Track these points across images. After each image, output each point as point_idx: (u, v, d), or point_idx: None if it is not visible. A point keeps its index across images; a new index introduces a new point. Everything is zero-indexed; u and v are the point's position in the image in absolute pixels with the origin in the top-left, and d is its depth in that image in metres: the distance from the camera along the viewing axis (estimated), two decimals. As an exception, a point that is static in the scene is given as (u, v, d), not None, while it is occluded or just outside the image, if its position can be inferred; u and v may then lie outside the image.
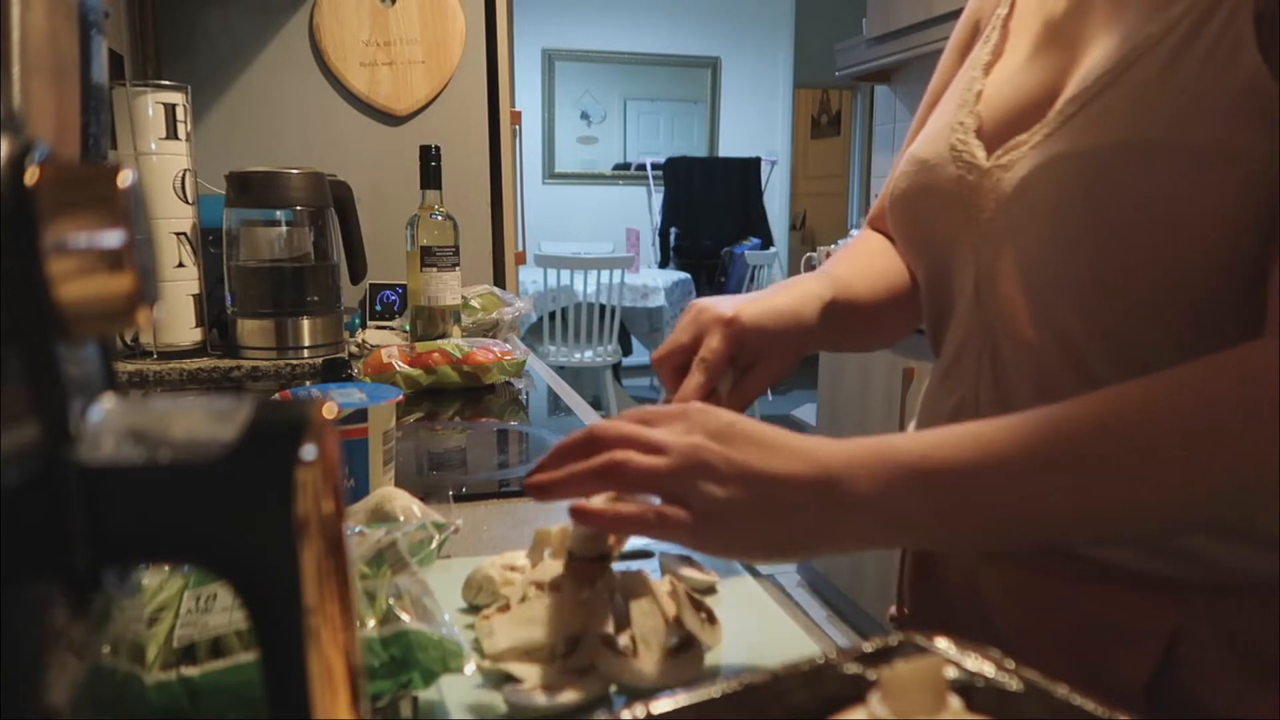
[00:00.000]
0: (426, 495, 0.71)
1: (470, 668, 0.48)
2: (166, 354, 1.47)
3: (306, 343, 1.49)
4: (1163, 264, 0.53)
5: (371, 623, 0.47)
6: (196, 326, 1.49)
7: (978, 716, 0.33)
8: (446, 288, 1.50)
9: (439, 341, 1.38)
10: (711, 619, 0.56)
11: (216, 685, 0.44)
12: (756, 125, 6.44)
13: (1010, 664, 0.35)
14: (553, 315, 4.17)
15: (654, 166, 6.12)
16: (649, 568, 0.61)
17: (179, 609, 0.47)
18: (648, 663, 0.52)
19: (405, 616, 0.47)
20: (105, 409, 0.25)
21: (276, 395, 0.83)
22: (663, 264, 5.74)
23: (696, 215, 5.75)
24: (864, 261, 0.79)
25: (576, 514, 0.51)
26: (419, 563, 0.55)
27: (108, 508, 0.23)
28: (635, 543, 0.67)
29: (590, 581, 0.55)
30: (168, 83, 1.47)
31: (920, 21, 2.77)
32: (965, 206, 0.62)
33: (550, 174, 6.18)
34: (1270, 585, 0.54)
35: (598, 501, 0.52)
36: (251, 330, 1.48)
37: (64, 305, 0.22)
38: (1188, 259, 0.52)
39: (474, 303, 1.64)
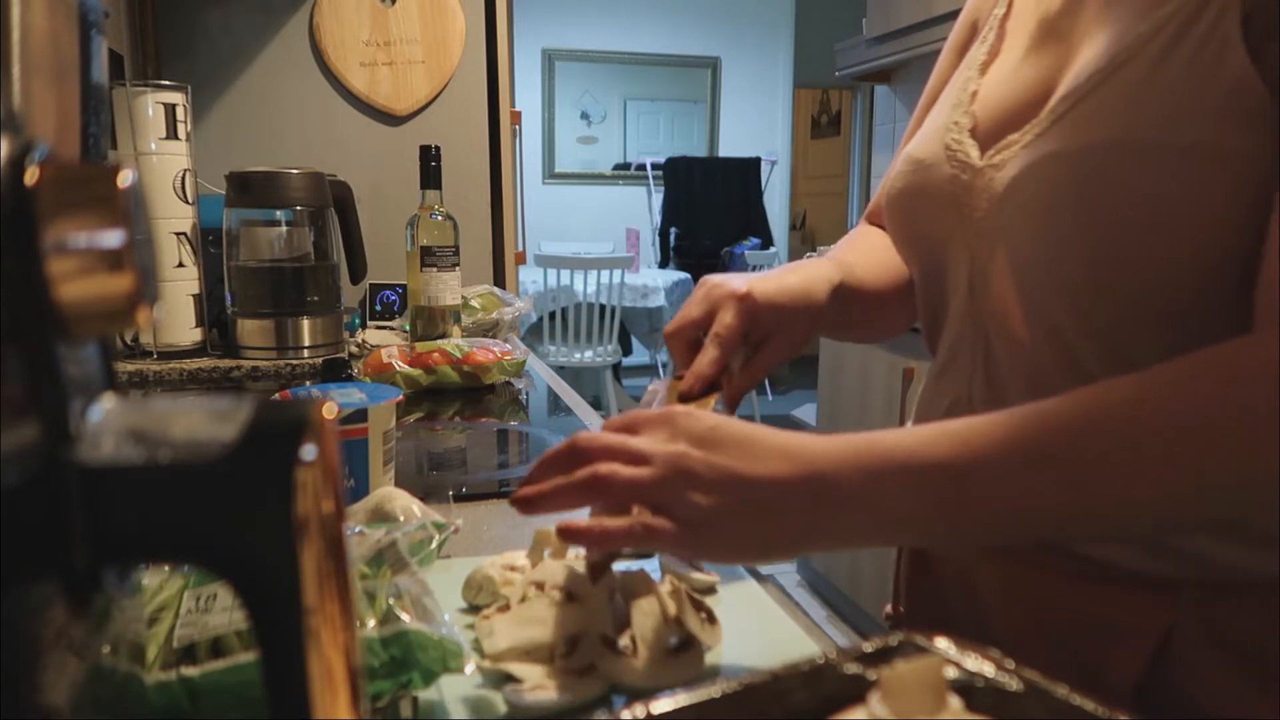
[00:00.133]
0: (426, 495, 0.71)
1: (470, 668, 0.48)
2: (166, 354, 1.47)
3: (306, 343, 1.49)
4: (1153, 263, 0.53)
5: (371, 623, 0.47)
6: (196, 326, 1.49)
7: (978, 716, 0.33)
8: (446, 288, 1.50)
9: (439, 341, 1.38)
10: (711, 619, 0.56)
11: (216, 685, 0.44)
12: (756, 125, 6.44)
13: (1010, 664, 0.35)
14: (553, 315, 4.17)
15: (654, 166, 6.12)
16: (649, 568, 0.61)
17: (179, 609, 0.47)
18: (648, 663, 0.52)
19: (405, 616, 0.47)
20: (105, 409, 0.25)
21: (276, 395, 0.83)
22: (663, 264, 5.74)
23: (696, 215, 5.75)
24: (866, 253, 0.80)
25: (563, 534, 0.50)
26: (419, 563, 0.55)
27: (108, 508, 0.23)
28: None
29: (597, 580, 0.55)
30: (168, 83, 1.47)
31: (920, 21, 2.77)
32: (959, 206, 0.62)
33: (550, 174, 6.18)
34: (1265, 584, 0.54)
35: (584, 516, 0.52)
36: (251, 330, 1.48)
37: (64, 305, 0.22)
38: (1178, 259, 0.52)
39: (474, 303, 1.64)
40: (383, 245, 1.83)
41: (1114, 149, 0.53)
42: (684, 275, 4.90)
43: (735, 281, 0.68)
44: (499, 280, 2.01)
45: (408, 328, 1.55)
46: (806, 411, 5.15)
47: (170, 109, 1.44)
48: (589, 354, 4.22)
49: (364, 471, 0.76)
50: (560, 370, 3.73)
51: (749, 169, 5.94)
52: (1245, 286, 0.51)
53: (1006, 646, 0.37)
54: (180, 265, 1.46)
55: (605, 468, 0.50)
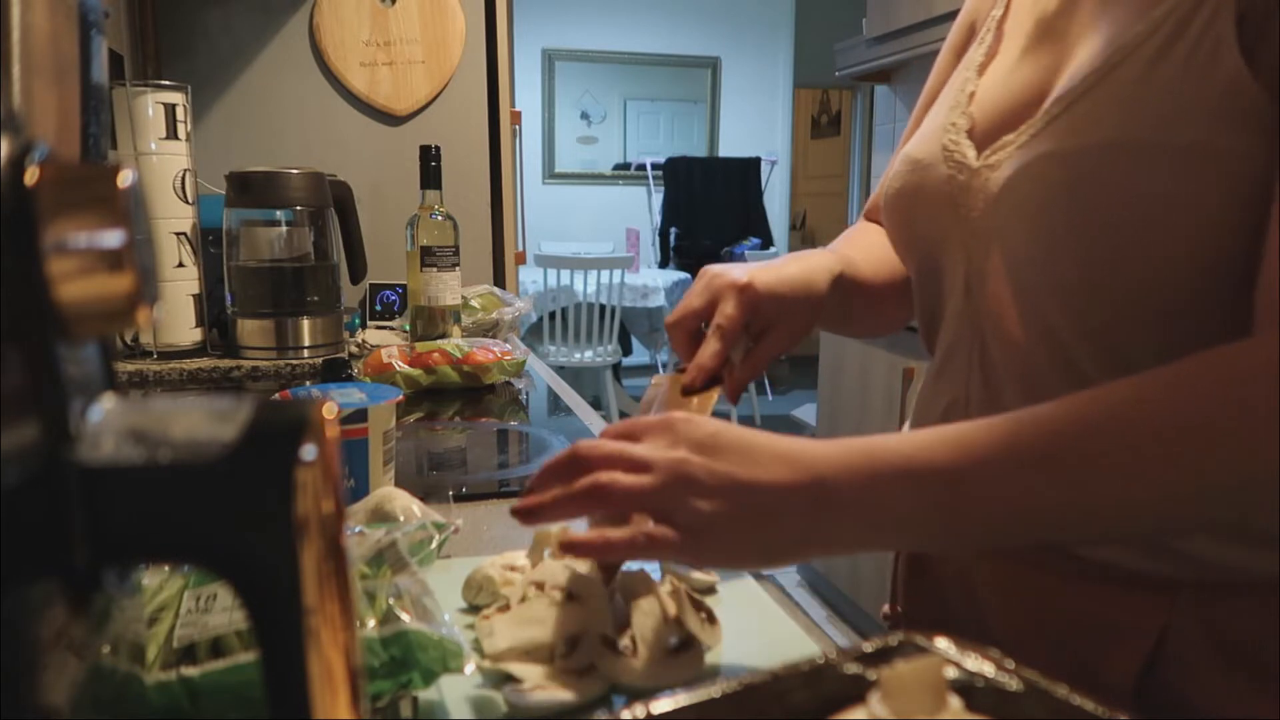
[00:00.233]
0: (426, 495, 0.71)
1: (470, 668, 0.48)
2: (166, 354, 1.47)
3: (306, 343, 1.49)
4: (1149, 264, 0.53)
5: (371, 623, 0.47)
6: (196, 326, 1.49)
7: (978, 716, 0.33)
8: (446, 288, 1.50)
9: (439, 341, 1.38)
10: (711, 619, 0.56)
11: (216, 685, 0.44)
12: (756, 125, 6.44)
13: (1010, 664, 0.35)
14: (553, 315, 4.17)
15: (654, 166, 6.12)
16: (649, 568, 0.61)
17: (179, 609, 0.47)
18: (648, 663, 0.52)
19: (405, 616, 0.47)
20: (105, 409, 0.25)
21: (276, 395, 0.83)
22: (663, 264, 5.74)
23: (696, 215, 5.75)
24: (866, 249, 0.80)
25: (566, 548, 0.51)
26: (419, 563, 0.55)
27: (108, 508, 0.23)
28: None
29: (610, 582, 0.56)
30: (168, 83, 1.47)
31: (920, 21, 2.77)
32: (956, 206, 0.62)
33: (550, 174, 6.18)
34: (1264, 584, 0.54)
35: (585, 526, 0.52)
36: (251, 330, 1.48)
37: (64, 305, 0.22)
38: (1174, 259, 0.52)
39: (474, 303, 1.64)
40: (383, 245, 1.83)
41: (1108, 150, 0.53)
42: (684, 275, 4.90)
43: (736, 272, 0.68)
44: (499, 280, 2.01)
45: (408, 328, 1.55)
46: (806, 411, 5.15)
47: (170, 109, 1.44)
48: (589, 354, 4.22)
49: (364, 471, 0.77)
50: (560, 370, 3.74)
51: (749, 169, 5.94)
52: (1242, 287, 0.51)
53: (1005, 646, 0.37)
54: (180, 265, 1.46)
55: (606, 476, 0.50)
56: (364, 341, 1.58)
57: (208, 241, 1.52)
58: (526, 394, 1.37)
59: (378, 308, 1.74)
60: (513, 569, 0.63)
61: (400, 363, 1.30)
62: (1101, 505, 0.48)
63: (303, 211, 1.49)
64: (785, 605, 0.64)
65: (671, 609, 0.54)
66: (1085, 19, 0.59)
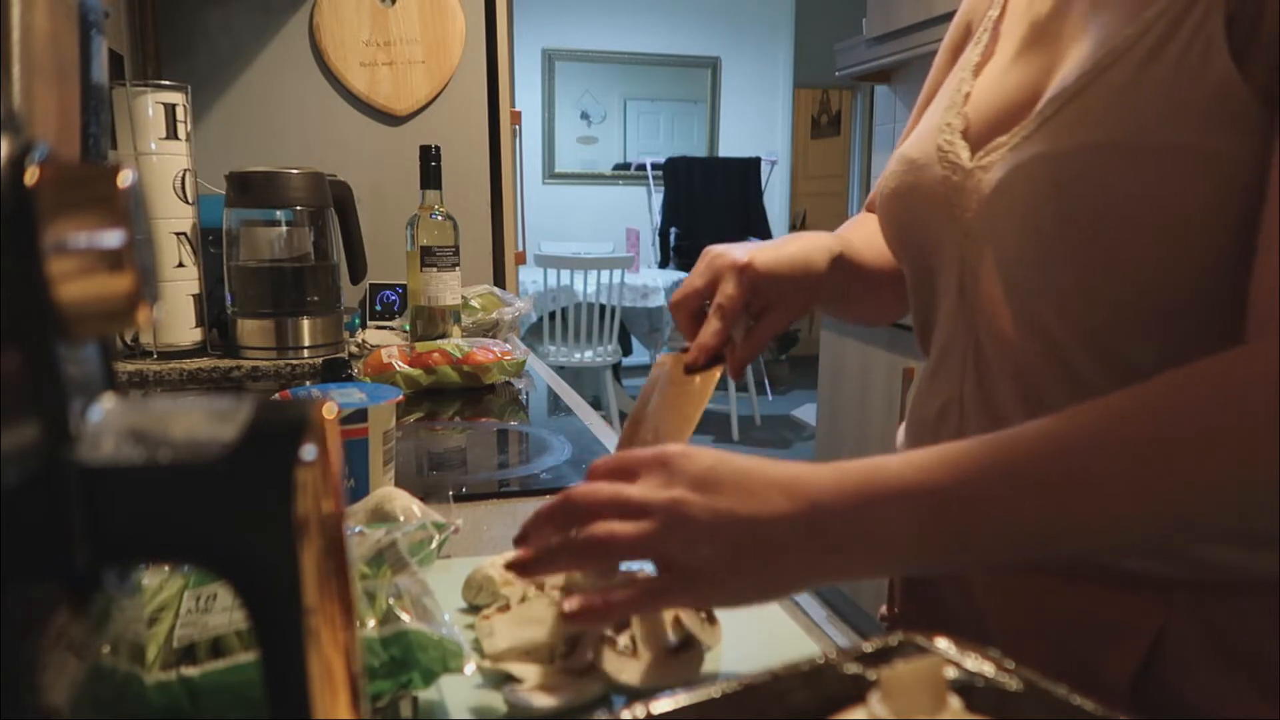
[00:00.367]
0: (426, 495, 0.71)
1: (470, 668, 0.48)
2: (166, 354, 1.47)
3: (306, 343, 1.49)
4: (1142, 265, 0.53)
5: (371, 623, 0.47)
6: (196, 326, 1.49)
7: (978, 716, 0.33)
8: (446, 288, 1.50)
9: (439, 341, 1.38)
10: (711, 619, 0.56)
11: (216, 685, 0.44)
12: (756, 125, 6.44)
13: (1010, 664, 0.35)
14: (553, 315, 4.17)
15: (654, 166, 6.12)
16: (649, 568, 0.61)
17: (179, 609, 0.47)
18: (648, 663, 0.52)
19: (405, 616, 0.47)
20: (105, 409, 0.25)
21: (276, 395, 0.83)
22: (663, 264, 5.74)
23: (696, 215, 5.74)
24: (867, 235, 0.81)
25: (570, 618, 0.49)
26: (419, 563, 0.55)
27: (108, 508, 0.23)
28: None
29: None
30: (168, 83, 1.47)
31: (920, 21, 2.77)
32: (950, 207, 0.62)
33: (550, 174, 6.18)
34: (1262, 584, 0.54)
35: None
36: (251, 330, 1.48)
37: (64, 305, 0.22)
38: (1166, 261, 0.52)
39: (474, 303, 1.64)
40: (383, 245, 1.83)
41: (1099, 151, 0.53)
42: (684, 275, 4.88)
43: (737, 252, 0.70)
44: (499, 280, 2.01)
45: (408, 328, 1.55)
46: (806, 411, 5.15)
47: (170, 109, 1.44)
48: (589, 354, 4.22)
49: (364, 471, 0.77)
50: (560, 370, 3.74)
51: (749, 169, 5.93)
52: (1238, 288, 0.50)
53: (1003, 646, 0.36)
54: (180, 265, 1.46)
55: (603, 529, 0.49)
56: (364, 341, 1.58)
57: (208, 241, 1.52)
58: (526, 394, 1.37)
59: (378, 308, 1.74)
60: (513, 569, 0.63)
61: (400, 363, 1.30)
62: (1106, 522, 0.47)
63: (303, 211, 1.49)
64: (785, 605, 0.64)
65: (671, 609, 0.54)
66: (1077, 21, 0.59)
